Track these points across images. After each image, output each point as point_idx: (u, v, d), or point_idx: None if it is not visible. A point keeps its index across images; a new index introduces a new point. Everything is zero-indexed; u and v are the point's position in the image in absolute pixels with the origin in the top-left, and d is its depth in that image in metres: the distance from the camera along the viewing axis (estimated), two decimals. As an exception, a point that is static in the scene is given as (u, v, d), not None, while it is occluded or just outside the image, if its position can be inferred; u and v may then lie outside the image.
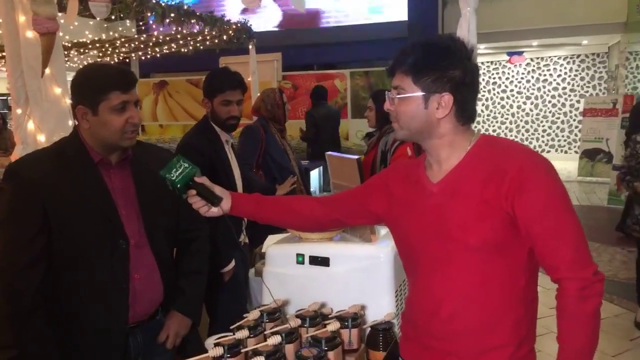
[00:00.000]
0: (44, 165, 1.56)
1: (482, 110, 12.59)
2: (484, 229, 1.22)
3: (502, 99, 12.71)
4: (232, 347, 1.45)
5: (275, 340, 1.47)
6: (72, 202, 1.55)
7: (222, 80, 2.55)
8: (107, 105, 1.54)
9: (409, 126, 1.30)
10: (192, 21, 4.78)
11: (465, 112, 1.29)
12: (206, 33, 5.62)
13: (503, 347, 1.25)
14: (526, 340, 1.28)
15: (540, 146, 12.44)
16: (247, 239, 2.76)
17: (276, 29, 10.85)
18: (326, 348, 1.47)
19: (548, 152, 12.32)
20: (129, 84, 1.58)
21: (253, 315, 1.65)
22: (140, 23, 5.11)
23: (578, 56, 12.10)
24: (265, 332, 1.55)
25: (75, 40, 6.24)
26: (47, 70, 2.54)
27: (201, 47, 6.17)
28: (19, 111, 2.62)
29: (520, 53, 11.92)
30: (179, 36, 5.89)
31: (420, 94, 1.26)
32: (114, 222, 1.60)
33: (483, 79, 12.20)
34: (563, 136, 12.41)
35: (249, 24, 5.69)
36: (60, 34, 2.61)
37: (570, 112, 12.27)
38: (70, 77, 1.86)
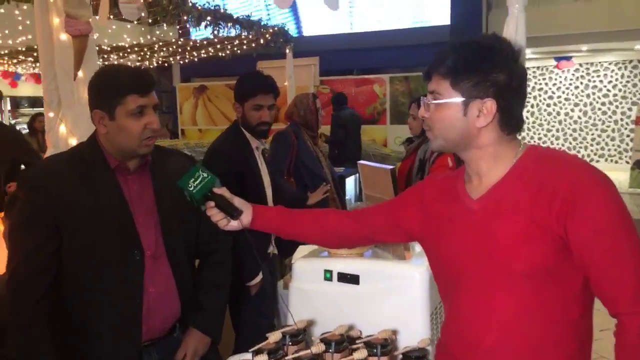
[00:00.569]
0: (58, 171, 1.51)
1: (527, 118, 12.20)
2: (531, 253, 1.08)
3: (548, 105, 12.31)
4: (249, 373, 1.34)
5: (296, 367, 1.36)
6: (85, 208, 1.48)
7: (253, 83, 2.47)
8: (123, 110, 1.47)
9: (444, 135, 1.17)
10: (229, 24, 4.76)
11: (510, 120, 1.15)
12: (243, 37, 5.61)
13: (553, 388, 1.10)
14: (580, 379, 1.13)
15: (588, 155, 11.96)
16: (277, 250, 2.66)
17: (314, 33, 10.78)
18: (352, 377, 1.34)
19: (597, 161, 11.82)
20: (147, 87, 1.50)
21: (274, 337, 1.53)
22: (178, 27, 5.13)
23: (630, 61, 11.57)
24: (287, 358, 1.44)
25: (114, 44, 6.35)
26: (80, 74, 2.53)
27: (238, 51, 6.17)
28: (51, 114, 2.62)
29: (568, 58, 11.50)
30: (216, 40, 5.90)
31: (459, 99, 1.13)
32: (129, 231, 1.52)
33: (529, 85, 11.78)
34: (613, 145, 11.89)
35: (285, 28, 5.65)
36: (95, 36, 2.60)
37: (622, 120, 11.74)
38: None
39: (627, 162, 10.71)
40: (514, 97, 1.14)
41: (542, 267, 1.08)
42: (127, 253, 1.51)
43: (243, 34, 5.45)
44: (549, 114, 12.34)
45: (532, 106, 12.33)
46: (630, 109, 11.46)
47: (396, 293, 1.65)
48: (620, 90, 11.73)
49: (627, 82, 11.67)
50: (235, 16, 4.87)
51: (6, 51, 6.27)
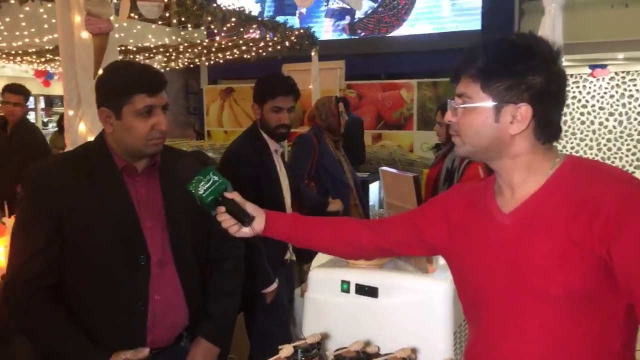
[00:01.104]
0: (63, 171, 1.45)
1: (559, 126, 11.90)
2: (569, 276, 0.97)
3: (582, 114, 11.98)
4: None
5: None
6: (90, 211, 1.41)
7: (273, 85, 2.40)
8: (131, 109, 1.41)
9: (473, 142, 1.06)
10: (254, 26, 4.71)
11: (546, 127, 1.04)
12: (268, 39, 5.56)
13: None
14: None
15: (623, 166, 11.57)
16: (295, 256, 2.58)
17: (342, 37, 10.71)
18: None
19: (633, 172, 11.33)
20: (156, 87, 1.43)
21: (286, 351, 1.44)
22: (203, 28, 5.11)
23: (669, 70, 11.20)
24: (297, 375, 1.35)
25: (139, 45, 6.37)
26: (100, 72, 2.50)
27: (264, 54, 6.13)
28: (70, 112, 2.60)
29: (604, 66, 11.18)
30: (241, 42, 5.86)
31: (490, 104, 1.02)
32: (135, 235, 1.45)
33: (562, 93, 11.53)
34: (649, 156, 11.50)
35: (312, 31, 5.58)
36: (121, 35, 2.57)
37: (659, 130, 11.36)
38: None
39: (664, 174, 10.34)
40: (552, 103, 1.04)
41: (581, 291, 0.97)
42: (132, 258, 1.44)
43: (268, 35, 5.40)
44: (583, 122, 12.01)
45: (565, 115, 12.00)
46: (668, 120, 11.07)
47: (417, 308, 1.56)
48: (657, 99, 11.35)
49: (665, 91, 11.29)
50: (259, 18, 4.83)
51: (34, 49, 6.33)
